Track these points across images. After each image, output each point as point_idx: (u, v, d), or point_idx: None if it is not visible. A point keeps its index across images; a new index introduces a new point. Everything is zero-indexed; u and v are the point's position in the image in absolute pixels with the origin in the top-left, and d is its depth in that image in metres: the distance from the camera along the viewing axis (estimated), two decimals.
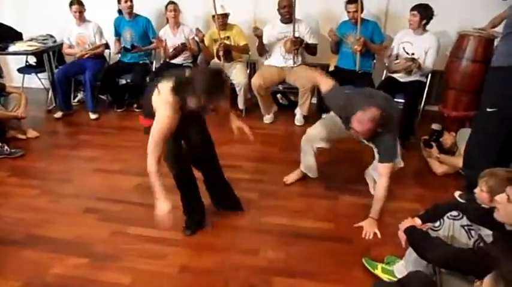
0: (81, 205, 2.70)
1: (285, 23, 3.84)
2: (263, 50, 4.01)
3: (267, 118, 4.05)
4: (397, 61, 3.55)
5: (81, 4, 4.20)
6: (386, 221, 2.47)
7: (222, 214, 2.58)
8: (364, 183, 2.90)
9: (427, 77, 3.66)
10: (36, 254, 2.24)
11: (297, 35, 3.79)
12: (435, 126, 3.24)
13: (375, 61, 3.92)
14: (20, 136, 3.78)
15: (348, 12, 3.74)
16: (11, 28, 4.65)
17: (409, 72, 3.52)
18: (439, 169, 3.05)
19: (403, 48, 3.59)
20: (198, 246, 2.31)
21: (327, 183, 2.92)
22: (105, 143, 3.68)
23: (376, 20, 3.94)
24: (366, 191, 2.82)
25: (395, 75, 3.65)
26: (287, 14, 3.76)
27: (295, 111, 4.04)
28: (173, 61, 4.32)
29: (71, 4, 4.17)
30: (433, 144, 3.12)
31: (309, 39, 3.90)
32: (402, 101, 3.56)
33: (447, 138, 3.14)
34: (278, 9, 3.82)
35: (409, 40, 3.57)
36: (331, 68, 4.08)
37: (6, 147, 3.41)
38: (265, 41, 3.92)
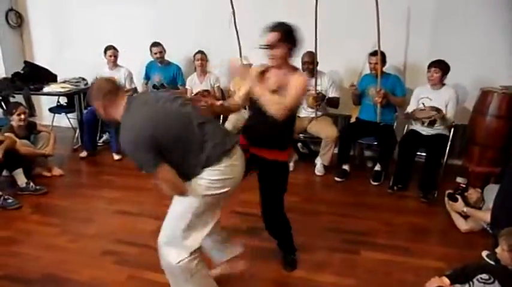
0: (99, 246, 2.71)
1: (308, 76, 3.92)
2: None
3: None
4: (423, 108, 3.55)
5: (116, 49, 4.44)
6: (410, 279, 2.37)
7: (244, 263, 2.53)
8: (381, 236, 2.84)
9: (449, 131, 3.65)
10: None
11: (319, 88, 3.87)
12: (460, 179, 3.19)
13: (396, 113, 3.94)
14: (46, 173, 3.88)
15: (370, 63, 3.83)
16: (46, 70, 4.91)
17: (431, 123, 3.51)
18: (464, 225, 2.95)
19: (423, 104, 3.61)
20: None
21: (345, 236, 2.85)
22: (126, 185, 3.73)
23: (397, 74, 4.00)
24: (384, 245, 2.74)
25: (417, 129, 3.65)
26: (308, 69, 3.87)
27: (316, 160, 4.04)
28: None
29: (106, 49, 4.42)
30: (458, 197, 3.05)
31: (331, 93, 3.97)
32: (424, 154, 3.54)
33: (472, 193, 3.06)
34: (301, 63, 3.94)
35: (427, 96, 3.60)
36: (353, 120, 4.11)
37: (31, 184, 3.50)
38: None
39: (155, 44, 4.47)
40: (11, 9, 5.25)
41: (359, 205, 3.37)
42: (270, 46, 2.01)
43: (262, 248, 2.66)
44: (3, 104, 4.64)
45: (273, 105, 1.96)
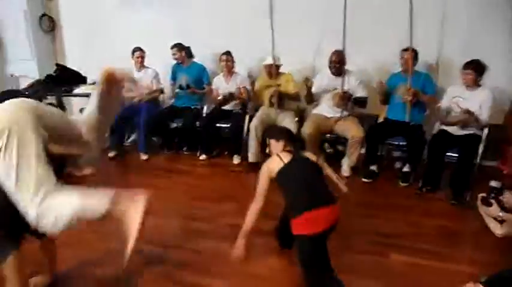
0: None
1: (335, 75, 3.88)
2: (311, 100, 4.06)
3: None
4: (455, 113, 3.44)
5: (142, 50, 4.52)
6: (442, 285, 2.30)
7: (270, 265, 2.53)
8: (413, 240, 2.76)
9: (482, 131, 3.51)
10: None
11: (346, 87, 3.81)
12: (494, 183, 3.06)
13: (427, 113, 3.83)
14: (76, 172, 3.97)
15: (401, 58, 3.73)
16: (76, 72, 5.05)
17: (465, 125, 3.40)
18: (498, 230, 2.83)
19: (457, 103, 3.49)
20: None
21: (373, 237, 2.79)
22: (153, 184, 3.78)
23: (428, 72, 3.89)
24: (414, 248, 2.66)
25: (448, 129, 3.54)
26: (335, 68, 3.81)
27: (342, 161, 3.97)
28: (223, 107, 4.46)
29: (134, 51, 4.51)
30: (493, 202, 2.93)
31: (359, 92, 3.90)
32: (456, 155, 3.43)
33: (508, 198, 2.94)
34: (329, 62, 3.89)
35: (461, 95, 3.49)
36: (381, 119, 4.03)
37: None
38: (314, 90, 3.97)
39: (172, 47, 4.56)
40: (44, 15, 5.43)
41: (387, 207, 3.29)
42: None
43: (289, 250, 2.63)
44: None
45: None
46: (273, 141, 2.37)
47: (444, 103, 3.59)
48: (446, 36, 3.95)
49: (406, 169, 3.77)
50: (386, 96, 3.88)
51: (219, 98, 4.41)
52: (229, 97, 4.38)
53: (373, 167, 3.83)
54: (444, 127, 3.60)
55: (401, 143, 3.85)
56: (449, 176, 3.43)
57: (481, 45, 3.78)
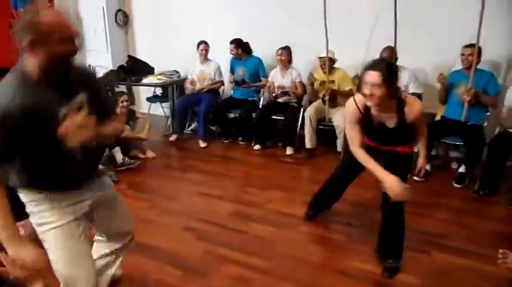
0: (182, 222, 3.00)
1: None
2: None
3: None
4: None
5: (207, 44, 4.79)
6: None
7: (311, 251, 2.64)
8: (458, 240, 2.71)
9: None
10: (135, 257, 2.49)
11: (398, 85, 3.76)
12: None
13: (488, 113, 3.67)
14: (140, 155, 4.35)
15: (462, 55, 3.58)
16: (146, 63, 5.46)
17: None
18: None
19: None
20: (280, 276, 2.38)
21: (418, 236, 2.77)
22: (210, 170, 4.03)
23: (493, 71, 3.72)
24: (460, 249, 2.62)
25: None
26: None
27: None
28: (279, 100, 4.60)
29: (199, 44, 4.79)
30: None
31: (412, 88, 3.83)
32: None
33: None
34: None
35: None
36: (438, 118, 3.92)
37: (127, 159, 4.02)
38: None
39: (231, 42, 4.74)
40: (119, 10, 5.91)
41: (437, 206, 3.24)
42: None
43: (329, 238, 2.74)
44: (109, 93, 5.27)
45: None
46: None
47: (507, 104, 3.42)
48: None
49: (462, 169, 3.66)
50: (446, 93, 3.76)
51: (273, 94, 4.56)
52: (284, 93, 4.52)
53: (427, 166, 3.74)
54: (509, 129, 3.43)
55: (458, 143, 3.74)
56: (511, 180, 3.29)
57: None
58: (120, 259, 2.06)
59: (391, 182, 2.12)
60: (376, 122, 2.28)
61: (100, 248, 1.99)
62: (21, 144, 1.38)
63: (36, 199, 1.55)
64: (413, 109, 2.19)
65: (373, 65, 2.08)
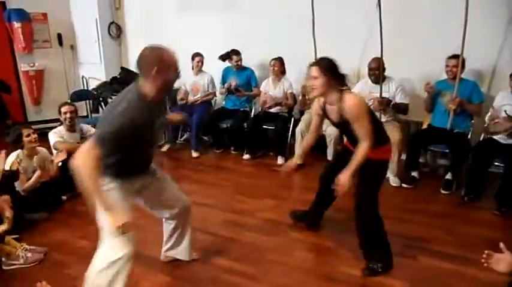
0: None
1: (374, 83, 3.93)
2: None
3: None
4: (496, 121, 3.38)
5: (202, 56, 4.88)
6: None
7: (301, 257, 2.69)
8: (444, 245, 2.78)
9: None
10: None
11: (386, 94, 3.84)
12: None
13: (473, 121, 3.77)
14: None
15: (447, 66, 3.69)
16: (138, 74, 5.48)
17: (511, 133, 3.33)
18: None
19: (505, 111, 3.42)
20: (270, 283, 2.43)
21: (404, 241, 2.83)
22: (202, 179, 4.07)
23: (477, 80, 3.83)
24: (446, 254, 2.68)
25: (495, 137, 3.48)
26: (374, 75, 3.87)
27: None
28: (270, 110, 4.67)
29: (194, 56, 4.87)
30: None
31: (400, 99, 3.89)
32: (502, 165, 3.37)
33: None
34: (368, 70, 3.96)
35: (510, 103, 3.41)
36: (425, 126, 4.02)
37: None
38: None
39: (238, 53, 4.78)
40: (112, 22, 5.99)
41: (425, 212, 3.31)
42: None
43: (319, 244, 2.79)
44: (102, 104, 5.32)
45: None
46: None
47: (491, 111, 3.52)
48: (497, 43, 3.87)
49: (448, 176, 3.74)
50: (432, 101, 3.86)
51: (267, 105, 4.63)
52: (275, 104, 4.61)
53: (414, 173, 3.84)
54: (491, 135, 3.53)
55: (445, 151, 3.83)
56: (497, 186, 3.36)
57: None
58: (189, 231, 2.53)
59: None
60: (328, 115, 2.46)
61: (169, 225, 2.55)
62: (126, 141, 1.84)
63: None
64: (347, 105, 2.24)
65: (314, 62, 2.38)
